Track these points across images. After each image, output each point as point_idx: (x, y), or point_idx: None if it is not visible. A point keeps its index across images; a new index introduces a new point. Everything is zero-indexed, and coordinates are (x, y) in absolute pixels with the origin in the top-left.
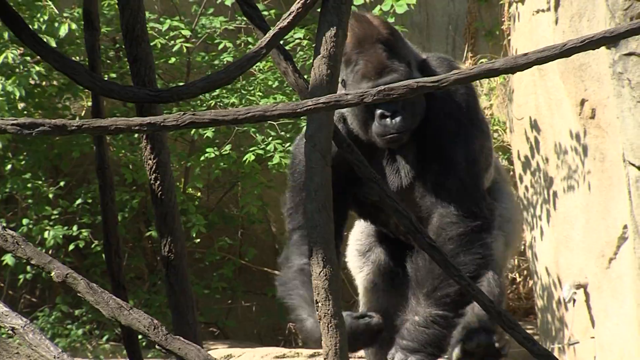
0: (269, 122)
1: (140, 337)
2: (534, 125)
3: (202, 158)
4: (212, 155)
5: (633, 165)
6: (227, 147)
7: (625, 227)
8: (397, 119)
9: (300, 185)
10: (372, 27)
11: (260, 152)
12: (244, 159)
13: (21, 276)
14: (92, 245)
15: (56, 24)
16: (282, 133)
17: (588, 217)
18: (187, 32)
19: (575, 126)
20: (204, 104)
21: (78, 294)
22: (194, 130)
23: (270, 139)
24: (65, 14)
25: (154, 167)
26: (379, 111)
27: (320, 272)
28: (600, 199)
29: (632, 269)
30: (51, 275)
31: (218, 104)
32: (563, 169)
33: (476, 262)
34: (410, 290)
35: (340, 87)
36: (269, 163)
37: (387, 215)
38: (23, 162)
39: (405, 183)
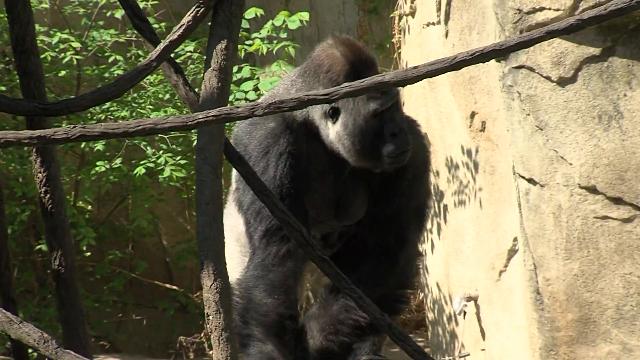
0: (159, 135)
1: (30, 350)
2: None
3: (93, 172)
4: (103, 168)
5: (523, 177)
6: (118, 160)
7: (515, 239)
8: (405, 135)
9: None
10: (362, 52)
11: (151, 165)
12: (135, 172)
13: None
14: None
15: None
16: (173, 146)
17: (478, 229)
18: (77, 44)
19: (465, 139)
20: (94, 117)
21: None
22: (84, 143)
23: (161, 152)
24: None
25: (43, 180)
26: (387, 131)
27: (211, 285)
28: (491, 211)
29: (522, 281)
30: None
31: (108, 117)
32: (454, 182)
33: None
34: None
35: (321, 117)
36: (160, 176)
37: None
38: None
39: (359, 215)
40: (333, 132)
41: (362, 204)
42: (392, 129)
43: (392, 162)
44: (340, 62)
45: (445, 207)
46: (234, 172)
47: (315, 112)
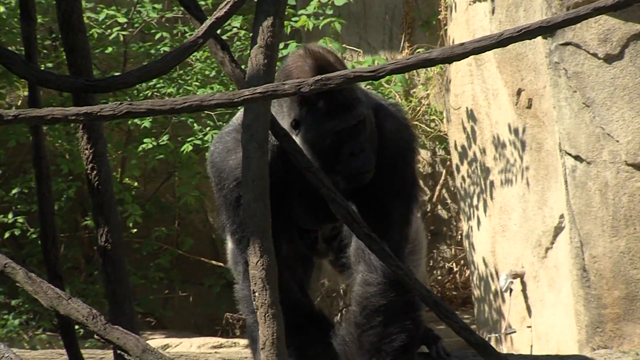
0: (206, 112)
1: (77, 327)
2: (471, 115)
3: (140, 149)
4: (150, 145)
5: (569, 154)
6: (165, 137)
7: (561, 216)
8: (366, 155)
9: (236, 201)
10: (325, 59)
11: (198, 142)
12: (182, 149)
13: None
14: (28, 234)
15: None
16: (220, 123)
17: (525, 206)
18: (123, 20)
19: (512, 116)
20: (141, 94)
21: (16, 284)
22: (130, 120)
23: (207, 129)
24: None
25: (90, 156)
26: (346, 150)
27: (258, 262)
28: (537, 188)
29: (568, 258)
30: None
31: (155, 94)
32: (500, 159)
33: (407, 329)
34: None
35: (289, 127)
36: (207, 153)
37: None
38: None
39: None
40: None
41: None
42: (351, 148)
43: (349, 182)
44: (307, 75)
45: (492, 183)
46: None
47: (285, 122)
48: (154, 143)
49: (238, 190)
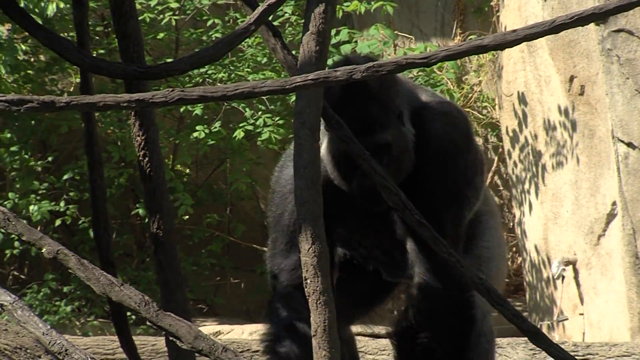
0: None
1: (128, 313)
2: (523, 101)
3: (192, 136)
4: (202, 134)
5: (622, 141)
6: (217, 124)
7: (614, 203)
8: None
9: (285, 223)
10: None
11: (250, 127)
12: (234, 135)
13: (8, 251)
14: (80, 222)
15: (43, 3)
16: (272, 107)
17: (577, 193)
18: (175, 5)
19: (564, 102)
20: (192, 81)
21: (69, 271)
22: (182, 107)
23: (260, 113)
24: None
25: (142, 143)
26: (361, 171)
27: (309, 248)
28: (589, 175)
29: (621, 246)
30: (42, 251)
31: (206, 80)
32: (552, 145)
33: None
34: None
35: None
36: (258, 139)
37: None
38: (10, 136)
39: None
40: (323, 149)
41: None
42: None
43: (362, 200)
44: (336, 90)
45: (544, 169)
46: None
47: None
48: (206, 131)
49: (285, 203)
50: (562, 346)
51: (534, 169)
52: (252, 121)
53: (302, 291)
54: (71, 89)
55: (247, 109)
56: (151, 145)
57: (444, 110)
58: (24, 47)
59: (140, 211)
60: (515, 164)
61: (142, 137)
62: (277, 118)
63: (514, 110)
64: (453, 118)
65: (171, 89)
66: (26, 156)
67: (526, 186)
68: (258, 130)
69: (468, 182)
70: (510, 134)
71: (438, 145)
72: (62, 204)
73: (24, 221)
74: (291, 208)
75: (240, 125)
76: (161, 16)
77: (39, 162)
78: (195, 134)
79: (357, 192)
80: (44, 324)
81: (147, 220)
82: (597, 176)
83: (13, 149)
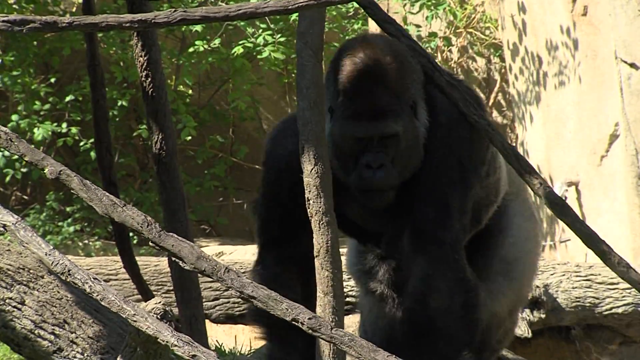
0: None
1: (131, 234)
2: (525, 21)
3: (191, 50)
4: (202, 48)
5: (625, 62)
6: (217, 41)
7: (617, 124)
8: (382, 173)
9: (272, 195)
10: (376, 59)
11: (249, 45)
12: (233, 51)
13: (9, 171)
14: (82, 143)
15: None
16: (272, 26)
17: (580, 114)
18: None
19: (566, 23)
20: (195, 1)
21: (71, 191)
22: (184, 27)
23: (260, 31)
24: None
25: (145, 64)
26: (364, 160)
27: (312, 169)
28: (592, 96)
29: (623, 166)
30: (44, 171)
31: (209, 0)
32: (554, 65)
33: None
34: None
35: (327, 116)
36: (259, 57)
37: (370, 234)
38: (13, 59)
39: (388, 224)
40: (326, 131)
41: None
42: (369, 159)
43: (360, 196)
44: (349, 62)
45: (547, 89)
46: None
47: (327, 101)
48: (206, 46)
49: (276, 178)
50: (565, 266)
51: (537, 89)
52: (252, 39)
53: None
54: (73, 9)
55: (248, 29)
56: (153, 66)
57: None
58: None
59: (143, 132)
60: (516, 76)
61: (145, 58)
62: (279, 36)
63: (516, 30)
64: (456, 114)
65: (174, 10)
66: (27, 79)
67: (529, 106)
68: (258, 48)
69: (473, 169)
70: (512, 47)
71: (443, 138)
72: (64, 125)
73: (25, 142)
74: (287, 186)
75: (240, 42)
76: None
77: (42, 85)
78: (194, 47)
79: (355, 185)
80: (46, 244)
81: (149, 141)
82: (599, 97)
83: (15, 72)
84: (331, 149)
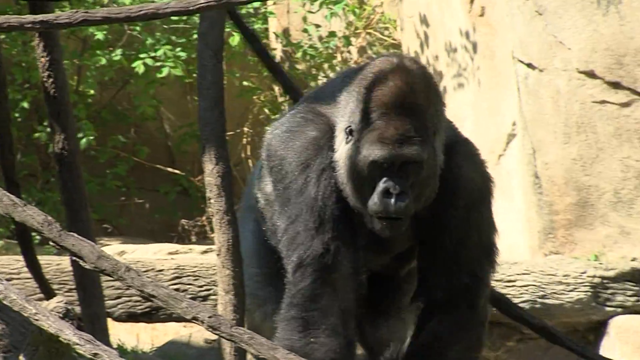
0: (161, 26)
1: (34, 233)
2: (424, 23)
3: (92, 64)
4: (104, 61)
5: (522, 62)
6: (118, 51)
7: (514, 123)
8: (404, 202)
9: (311, 196)
10: (412, 86)
11: (150, 61)
12: (134, 66)
13: None
14: None
15: None
16: (174, 38)
17: (477, 114)
18: None
19: (465, 24)
20: (97, 3)
21: None
22: (86, 28)
23: (161, 42)
24: None
25: (46, 64)
26: (382, 185)
27: (213, 168)
28: (490, 96)
29: (521, 165)
30: None
31: (111, 3)
32: (453, 66)
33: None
34: None
35: (342, 135)
36: (157, 74)
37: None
38: None
39: (400, 248)
40: (341, 152)
41: (406, 235)
42: (388, 185)
43: (375, 225)
44: (382, 84)
45: (445, 90)
46: (263, 187)
47: (343, 119)
48: (107, 56)
49: (303, 176)
50: None
51: None
52: (152, 54)
53: (330, 285)
54: None
55: (148, 38)
56: (55, 66)
57: (475, 157)
58: None
59: (42, 137)
60: None
61: (47, 58)
62: (178, 49)
63: (415, 31)
64: (482, 164)
65: (75, 10)
66: None
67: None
68: (157, 64)
69: (494, 233)
70: (413, 54)
71: (464, 189)
72: None
73: None
74: (315, 182)
75: (141, 56)
76: None
77: None
78: (94, 59)
79: (374, 211)
80: None
81: (50, 143)
82: (497, 96)
83: None
84: (346, 172)
